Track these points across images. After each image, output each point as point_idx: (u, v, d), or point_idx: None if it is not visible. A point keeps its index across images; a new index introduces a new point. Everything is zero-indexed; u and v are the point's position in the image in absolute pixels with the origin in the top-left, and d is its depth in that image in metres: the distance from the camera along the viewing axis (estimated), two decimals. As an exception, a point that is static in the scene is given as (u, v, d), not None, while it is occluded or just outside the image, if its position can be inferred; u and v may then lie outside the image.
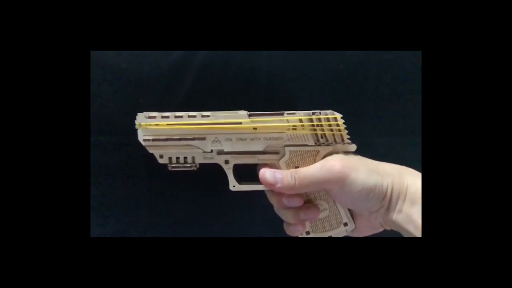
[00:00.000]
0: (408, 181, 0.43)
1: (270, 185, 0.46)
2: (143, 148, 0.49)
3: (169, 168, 0.49)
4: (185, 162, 0.49)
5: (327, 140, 0.47)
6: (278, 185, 0.45)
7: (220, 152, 0.48)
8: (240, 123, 0.47)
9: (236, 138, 0.48)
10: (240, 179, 0.51)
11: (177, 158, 0.49)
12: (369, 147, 0.48)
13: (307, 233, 0.50)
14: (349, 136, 0.48)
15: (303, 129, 0.47)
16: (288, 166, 0.48)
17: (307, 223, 0.49)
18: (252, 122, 0.47)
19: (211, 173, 0.51)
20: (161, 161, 0.49)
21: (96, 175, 0.57)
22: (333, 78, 0.57)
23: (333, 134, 0.47)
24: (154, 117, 0.48)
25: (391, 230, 0.46)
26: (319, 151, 0.47)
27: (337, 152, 0.47)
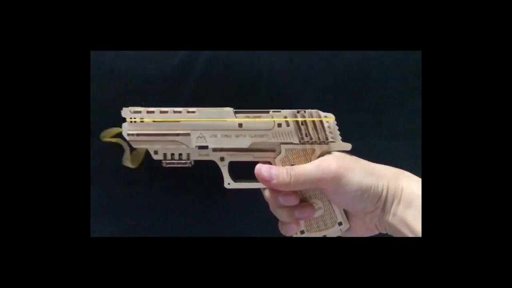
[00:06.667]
0: (403, 184, 0.44)
1: (266, 181, 0.45)
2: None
3: (163, 165, 0.49)
4: (180, 159, 0.48)
5: (311, 139, 0.47)
6: (274, 181, 0.45)
7: (216, 149, 0.48)
8: (225, 120, 0.47)
9: (221, 135, 0.47)
10: (236, 178, 0.50)
11: (172, 154, 0.48)
12: (369, 150, 0.48)
13: (302, 232, 0.49)
14: (339, 134, 0.47)
15: (288, 127, 0.47)
16: (283, 164, 0.48)
17: (302, 222, 0.49)
18: (238, 119, 0.47)
19: (211, 174, 0.51)
20: (155, 157, 0.48)
21: (96, 176, 0.57)
22: (334, 79, 0.57)
23: (317, 133, 0.47)
24: (140, 112, 0.47)
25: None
26: (314, 150, 0.47)
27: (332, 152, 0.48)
